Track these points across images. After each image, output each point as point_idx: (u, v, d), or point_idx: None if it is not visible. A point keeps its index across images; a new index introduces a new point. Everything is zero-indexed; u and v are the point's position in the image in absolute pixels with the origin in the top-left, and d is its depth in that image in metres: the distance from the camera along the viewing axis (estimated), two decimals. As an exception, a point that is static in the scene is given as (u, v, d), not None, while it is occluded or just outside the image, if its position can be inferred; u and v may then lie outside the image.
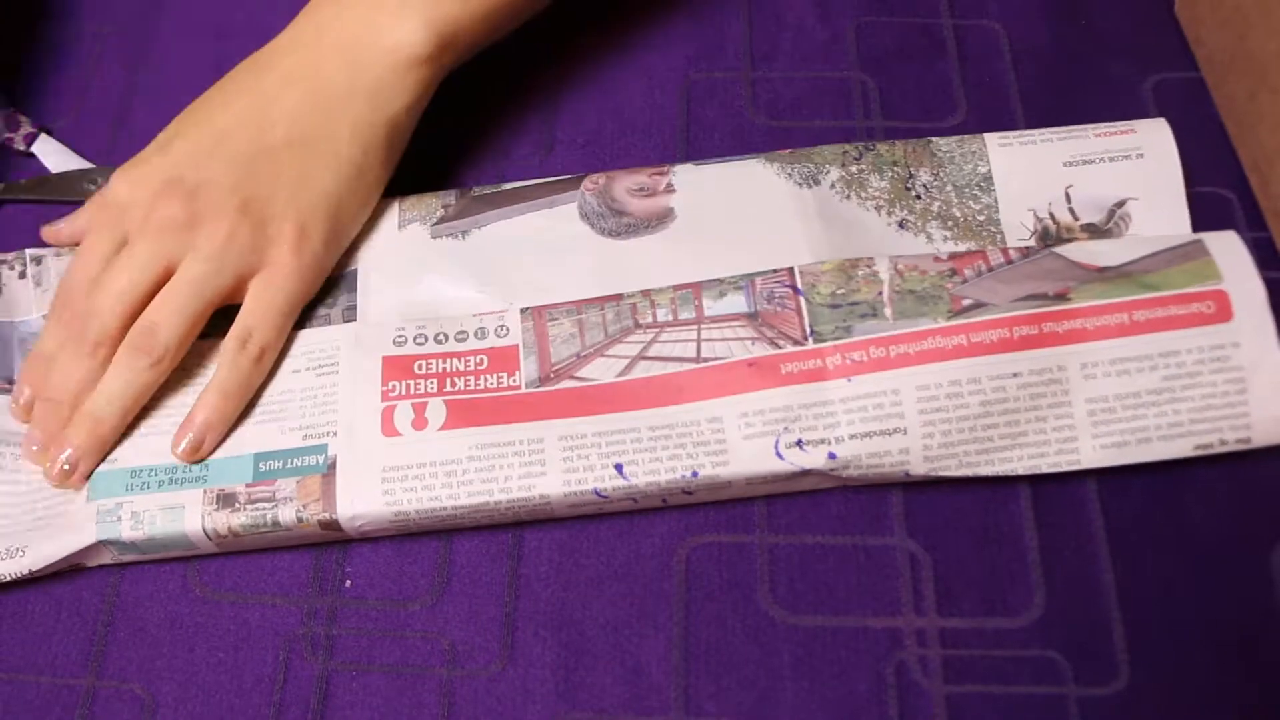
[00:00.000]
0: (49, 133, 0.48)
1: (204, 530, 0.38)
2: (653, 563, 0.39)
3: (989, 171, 0.42)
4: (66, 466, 0.39)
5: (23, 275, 0.44)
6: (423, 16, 0.42)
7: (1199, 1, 0.47)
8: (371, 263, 0.43)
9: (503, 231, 0.43)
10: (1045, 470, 0.38)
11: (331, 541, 0.39)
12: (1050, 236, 0.42)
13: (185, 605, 0.39)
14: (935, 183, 0.43)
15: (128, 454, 0.39)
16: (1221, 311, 0.38)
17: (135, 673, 0.38)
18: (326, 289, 0.42)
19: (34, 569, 0.38)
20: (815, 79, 0.49)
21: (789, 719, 0.36)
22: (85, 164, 0.47)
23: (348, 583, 0.39)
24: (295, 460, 0.38)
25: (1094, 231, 0.41)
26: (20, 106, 0.49)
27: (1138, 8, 0.50)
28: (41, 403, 0.40)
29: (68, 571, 0.39)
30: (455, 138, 0.48)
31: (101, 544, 0.38)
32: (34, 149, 0.48)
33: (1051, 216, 0.42)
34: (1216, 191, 0.45)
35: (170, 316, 0.39)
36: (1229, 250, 0.39)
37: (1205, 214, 0.44)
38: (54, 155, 0.48)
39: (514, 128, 0.48)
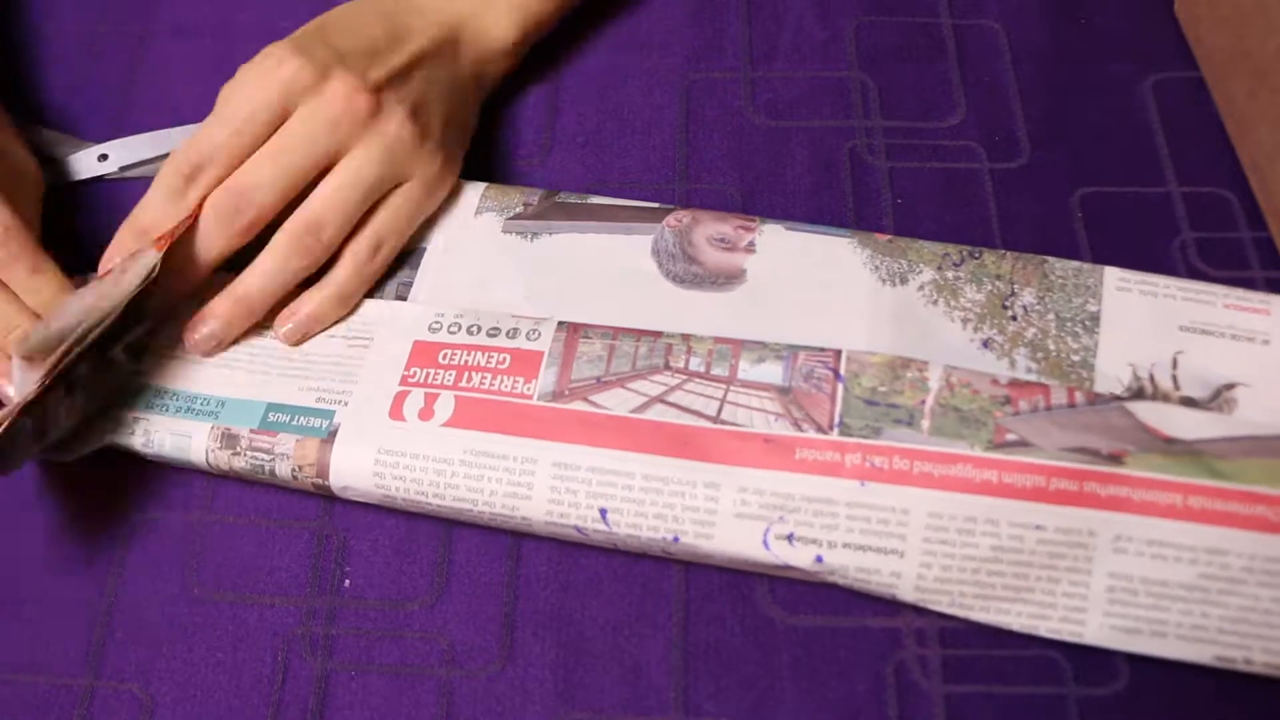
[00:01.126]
0: (43, 125, 0.48)
1: (207, 463, 0.39)
2: (652, 563, 0.39)
3: (1098, 312, 0.39)
4: (214, 341, 0.40)
5: None
6: (514, 18, 0.46)
7: (1198, 1, 0.47)
8: (440, 243, 0.43)
9: (570, 245, 0.42)
10: (1042, 634, 0.35)
11: (330, 535, 0.39)
12: (1144, 398, 0.37)
13: (184, 605, 0.39)
14: (1038, 306, 0.39)
15: (155, 373, 0.41)
16: None
17: (133, 673, 0.38)
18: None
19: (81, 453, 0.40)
20: (815, 79, 0.49)
21: (788, 719, 0.36)
22: (86, 144, 0.48)
23: (347, 583, 0.39)
24: (301, 419, 0.39)
25: (1191, 407, 0.37)
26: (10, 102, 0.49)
27: (1137, 7, 0.50)
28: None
29: (67, 564, 0.39)
30: (454, 138, 0.48)
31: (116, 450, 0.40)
32: (32, 140, 0.48)
33: (1151, 379, 0.38)
34: (1216, 191, 0.45)
35: (336, 216, 0.40)
36: None
37: (1205, 214, 0.44)
38: (55, 144, 0.48)
39: (514, 126, 0.48)
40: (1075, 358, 0.39)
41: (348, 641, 0.38)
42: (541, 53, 0.50)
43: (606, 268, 0.42)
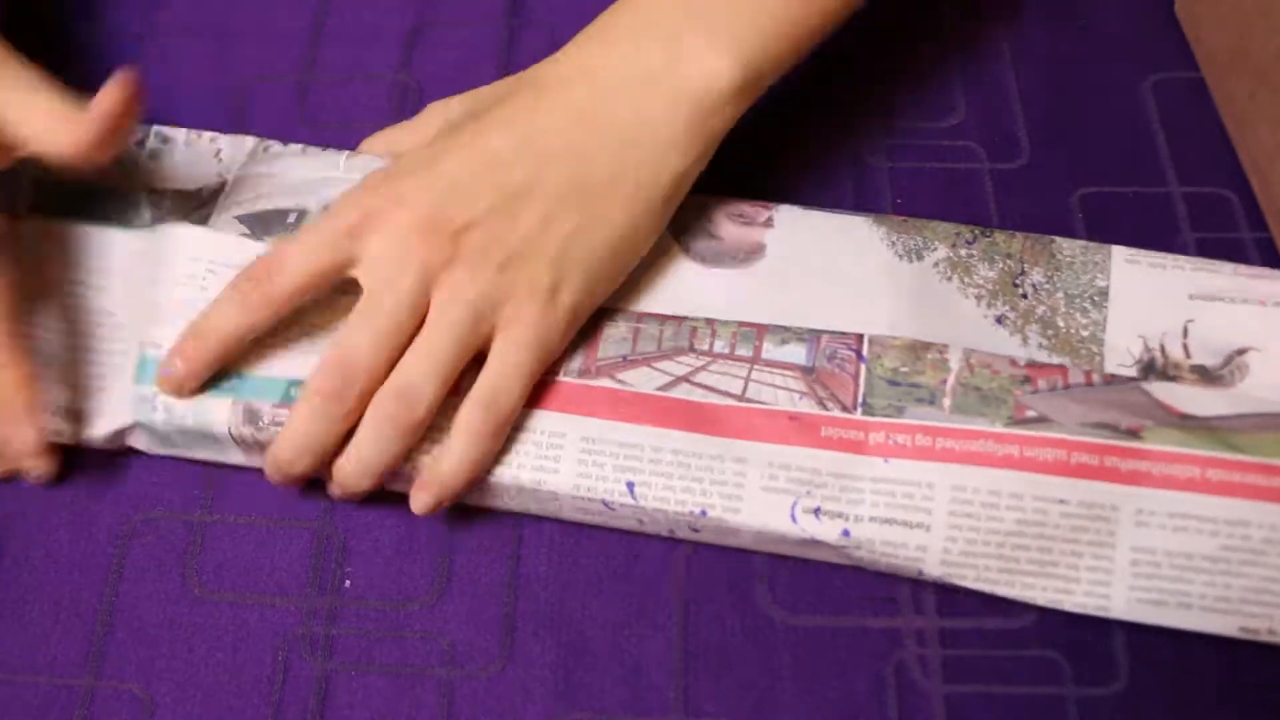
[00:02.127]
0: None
1: (230, 434, 0.38)
2: (652, 563, 0.39)
3: (1107, 287, 0.40)
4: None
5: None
6: (734, 52, 0.38)
7: (1199, 1, 0.47)
8: None
9: None
10: (1068, 609, 0.35)
11: (330, 539, 0.39)
12: (1155, 369, 0.38)
13: (184, 605, 0.39)
14: (1046, 285, 0.40)
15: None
16: None
17: (134, 673, 0.38)
18: None
19: (82, 439, 0.40)
20: (814, 80, 0.49)
21: (788, 719, 0.36)
22: None
23: (347, 583, 0.39)
24: None
25: (1203, 374, 0.38)
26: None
27: (1137, 8, 0.50)
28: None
29: (67, 564, 0.39)
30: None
31: (139, 428, 0.39)
32: None
33: (1162, 349, 0.38)
34: (1217, 191, 0.45)
35: (427, 376, 0.36)
36: None
37: (1205, 214, 0.44)
38: None
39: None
40: (1085, 333, 0.39)
41: (348, 641, 0.38)
42: (540, 51, 0.50)
43: None
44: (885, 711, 0.36)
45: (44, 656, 0.38)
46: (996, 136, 0.47)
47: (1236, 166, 0.45)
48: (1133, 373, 0.38)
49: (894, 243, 0.41)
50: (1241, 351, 0.38)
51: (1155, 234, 0.44)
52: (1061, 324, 0.39)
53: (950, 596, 0.38)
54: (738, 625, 0.38)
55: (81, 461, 0.41)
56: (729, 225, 0.42)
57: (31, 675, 0.38)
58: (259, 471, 0.41)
